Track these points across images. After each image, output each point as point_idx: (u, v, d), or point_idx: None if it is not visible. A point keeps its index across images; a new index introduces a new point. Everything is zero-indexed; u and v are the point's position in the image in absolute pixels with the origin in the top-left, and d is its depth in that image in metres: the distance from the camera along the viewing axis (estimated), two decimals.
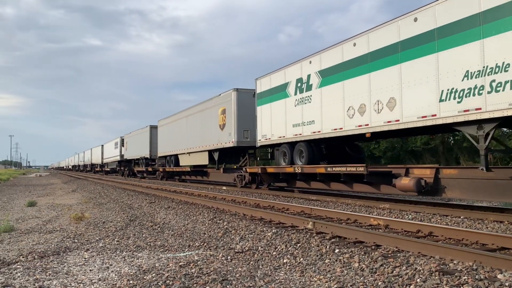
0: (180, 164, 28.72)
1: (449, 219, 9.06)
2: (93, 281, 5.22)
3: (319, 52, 14.72)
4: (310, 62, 15.09)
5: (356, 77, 12.82)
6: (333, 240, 6.77)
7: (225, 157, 23.52)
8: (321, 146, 15.66)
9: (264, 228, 8.07)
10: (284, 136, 16.67)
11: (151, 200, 15.29)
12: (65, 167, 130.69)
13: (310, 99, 15.08)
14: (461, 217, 9.25)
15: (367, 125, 12.32)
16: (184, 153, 27.61)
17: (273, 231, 7.72)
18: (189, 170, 27.06)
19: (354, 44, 12.89)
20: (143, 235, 8.64)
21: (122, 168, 49.59)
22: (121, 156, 47.96)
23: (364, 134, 12.67)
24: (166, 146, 32.10)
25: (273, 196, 15.41)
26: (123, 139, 47.74)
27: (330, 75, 14.03)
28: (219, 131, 22.13)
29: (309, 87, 15.18)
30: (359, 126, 12.64)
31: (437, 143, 30.10)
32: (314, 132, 14.78)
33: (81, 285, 5.05)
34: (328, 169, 13.51)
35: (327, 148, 15.73)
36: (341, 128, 13.45)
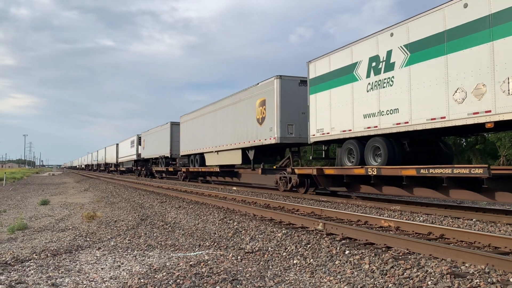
0: (207, 164, 26.11)
1: (461, 221, 8.97)
2: (105, 279, 5.27)
3: (404, 21, 11.81)
4: (392, 35, 12.17)
5: (469, 49, 9.86)
6: (343, 241, 6.75)
7: (261, 156, 20.48)
8: (403, 142, 12.58)
9: (274, 229, 8.08)
10: (350, 130, 13.65)
11: (162, 200, 15.38)
12: (77, 166, 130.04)
13: (392, 81, 12.07)
14: (473, 219, 9.16)
15: (489, 111, 9.39)
16: (212, 152, 24.93)
17: (283, 231, 7.72)
18: (218, 170, 24.00)
19: (465, 5, 9.91)
20: (154, 234, 8.70)
21: (138, 168, 46.68)
22: (138, 155, 45.55)
23: (481, 124, 9.76)
24: (189, 144, 29.44)
25: (283, 197, 15.40)
26: (140, 137, 45.21)
27: (423, 49, 11.10)
28: (257, 126, 19.19)
29: (389, 67, 12.17)
30: (475, 113, 9.69)
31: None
32: (398, 124, 11.77)
33: (93, 283, 5.10)
34: (422, 171, 10.52)
35: (412, 144, 12.60)
36: (443, 118, 10.48)
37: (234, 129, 21.79)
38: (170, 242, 7.88)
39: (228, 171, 23.87)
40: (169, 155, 34.67)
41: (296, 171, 16.09)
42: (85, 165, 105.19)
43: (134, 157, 46.92)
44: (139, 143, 45.35)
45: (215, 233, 8.64)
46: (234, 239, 7.95)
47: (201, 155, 27.21)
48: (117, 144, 59.11)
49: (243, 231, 8.39)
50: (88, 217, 10.99)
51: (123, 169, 56.31)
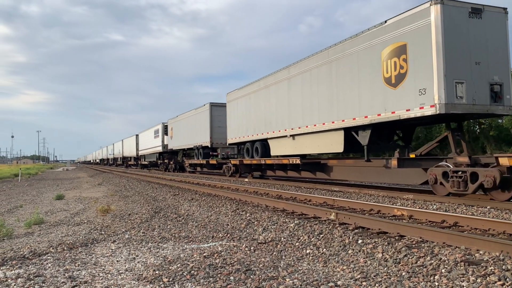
0: (272, 154, 19.69)
1: (475, 209, 8.90)
2: (120, 271, 5.35)
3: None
4: None
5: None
6: (356, 230, 6.75)
7: (376, 138, 13.81)
8: None
9: (286, 219, 8.10)
10: None
11: (174, 193, 15.50)
12: (92, 161, 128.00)
13: None
14: (488, 207, 9.08)
15: None
16: (282, 137, 18.34)
17: (295, 222, 7.74)
18: (297, 163, 17.01)
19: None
20: (168, 227, 8.79)
21: (165, 161, 40.41)
22: (164, 146, 39.35)
23: None
24: (242, 128, 22.64)
25: (295, 188, 15.41)
26: (166, 125, 39.17)
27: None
28: (384, 90, 12.15)
29: None
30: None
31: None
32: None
33: (109, 275, 5.19)
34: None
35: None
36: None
37: (330, 101, 14.81)
38: (183, 234, 7.95)
39: (311, 163, 17.15)
40: (209, 145, 28.01)
41: (501, 160, 9.54)
42: (100, 160, 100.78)
43: (159, 149, 40.75)
44: (165, 132, 39.32)
45: (228, 225, 8.70)
46: (247, 230, 8.00)
47: (262, 143, 20.59)
48: (137, 135, 52.88)
49: (255, 222, 8.43)
50: (103, 210, 11.13)
51: (145, 163, 49.67)
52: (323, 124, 15.23)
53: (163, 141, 39.58)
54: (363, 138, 13.56)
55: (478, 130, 29.49)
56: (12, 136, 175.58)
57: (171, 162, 38.64)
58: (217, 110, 27.71)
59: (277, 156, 19.27)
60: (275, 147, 19.40)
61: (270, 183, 18.25)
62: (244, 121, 22.40)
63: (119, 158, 69.32)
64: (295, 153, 17.48)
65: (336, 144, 14.87)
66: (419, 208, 9.12)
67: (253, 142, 21.59)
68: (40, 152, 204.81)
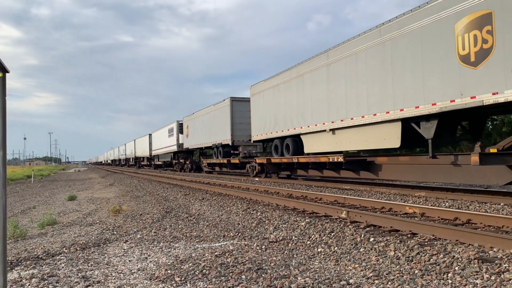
0: (306, 151, 17.46)
1: (488, 206, 8.81)
2: (133, 271, 5.39)
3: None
4: None
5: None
6: (367, 229, 6.72)
7: (442, 130, 11.57)
8: None
9: (297, 218, 8.09)
10: None
11: (185, 192, 15.56)
12: (103, 162, 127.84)
13: None
14: (501, 204, 8.97)
15: None
16: (320, 131, 16.14)
17: (306, 220, 7.73)
18: (339, 160, 14.48)
19: None
20: (179, 226, 8.83)
21: (181, 161, 38.92)
22: (179, 145, 37.73)
23: None
24: (269, 124, 20.41)
25: (305, 186, 15.38)
26: (181, 123, 37.50)
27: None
28: (459, 70, 10.04)
29: None
30: None
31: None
32: None
33: (121, 275, 5.22)
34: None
35: None
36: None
37: (384, 88, 12.66)
38: (195, 233, 7.98)
39: (356, 161, 14.53)
40: (230, 143, 26.13)
41: None
42: (112, 160, 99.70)
43: (174, 148, 39.04)
44: (180, 131, 37.72)
45: (239, 224, 8.71)
46: (258, 229, 8.00)
47: (294, 139, 18.44)
48: (150, 135, 51.40)
49: (266, 221, 8.43)
50: (114, 211, 11.22)
51: (159, 163, 48.04)
52: (374, 115, 13.01)
53: (177, 140, 38.09)
54: (427, 130, 11.34)
55: (490, 126, 29.16)
56: (25, 138, 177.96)
57: (187, 162, 36.87)
58: (239, 105, 25.78)
59: (313, 154, 17.05)
60: (309, 144, 17.20)
61: (280, 182, 18.21)
62: (271, 115, 20.13)
63: (131, 159, 67.89)
64: (335, 149, 15.35)
65: (390, 138, 12.61)
66: (431, 205, 9.04)
67: (282, 138, 19.41)
68: (52, 154, 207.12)
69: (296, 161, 17.43)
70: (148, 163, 54.83)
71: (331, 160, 14.98)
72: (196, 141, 32.97)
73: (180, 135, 37.77)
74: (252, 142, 23.23)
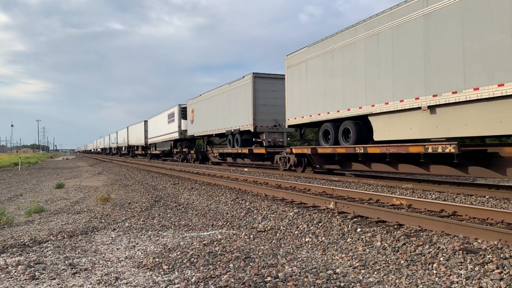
0: (378, 138, 12.96)
1: (474, 198, 8.93)
2: (120, 259, 5.38)
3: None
4: None
5: None
6: (355, 219, 6.78)
7: None
8: None
9: (286, 208, 8.13)
10: None
11: (174, 182, 15.53)
12: (92, 150, 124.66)
13: None
14: (486, 196, 9.11)
15: None
16: (406, 110, 11.80)
17: (295, 211, 7.77)
18: (447, 151, 10.14)
19: None
20: (168, 215, 8.82)
21: (184, 149, 34.93)
22: (181, 132, 33.84)
23: None
24: (314, 102, 15.93)
25: (294, 177, 15.44)
26: (184, 108, 33.60)
27: None
28: None
29: None
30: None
31: None
32: None
33: (109, 262, 5.21)
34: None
35: None
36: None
37: None
38: (183, 222, 7.98)
39: (473, 152, 10.36)
40: (251, 129, 21.83)
41: None
42: (102, 149, 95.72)
43: (175, 135, 34.85)
44: (182, 116, 33.66)
45: (227, 213, 8.73)
46: (247, 219, 8.03)
47: (356, 122, 13.96)
48: (146, 121, 47.53)
49: (255, 211, 8.46)
50: (103, 199, 11.17)
51: (156, 152, 43.68)
52: None
53: (179, 127, 34.12)
54: None
55: None
56: (12, 125, 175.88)
57: (192, 152, 32.82)
58: (262, 83, 21.76)
59: (387, 142, 12.65)
60: (384, 128, 12.70)
61: (269, 172, 18.19)
62: (319, 91, 15.56)
63: (123, 147, 63.99)
64: (432, 136, 11.20)
65: None
66: (418, 197, 9.15)
67: (337, 121, 14.86)
68: (40, 141, 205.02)
69: (361, 151, 12.94)
70: (143, 153, 51.01)
71: (430, 150, 10.63)
72: (204, 127, 28.83)
73: (182, 120, 33.90)
74: (286, 126, 18.68)
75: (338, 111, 14.57)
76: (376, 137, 13.01)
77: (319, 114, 15.68)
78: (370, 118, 13.19)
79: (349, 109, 14.00)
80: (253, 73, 21.99)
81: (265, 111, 21.81)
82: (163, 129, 38.84)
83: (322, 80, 15.44)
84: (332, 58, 14.95)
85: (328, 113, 15.07)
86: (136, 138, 52.66)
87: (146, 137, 47.49)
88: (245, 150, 22.20)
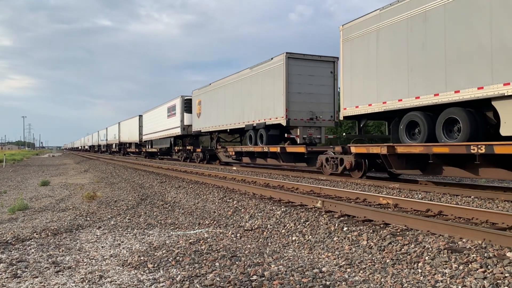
0: (506, 133, 8.99)
1: (460, 198, 9.01)
2: (105, 257, 5.32)
3: None
4: None
5: None
6: (341, 218, 6.79)
7: None
8: None
9: (273, 207, 8.12)
10: None
11: (161, 180, 15.43)
12: (80, 147, 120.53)
13: None
14: (472, 196, 9.20)
15: None
16: None
17: (282, 209, 7.76)
18: None
19: None
20: (154, 214, 8.75)
21: (188, 147, 29.92)
22: (184, 128, 29.76)
23: None
24: (391, 84, 11.77)
25: (282, 176, 15.44)
26: (188, 100, 29.51)
27: None
28: None
29: None
30: None
31: None
32: None
33: (93, 261, 5.15)
34: None
35: None
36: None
37: None
38: (170, 221, 7.93)
39: None
40: (283, 122, 17.54)
41: None
42: (90, 146, 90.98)
43: (177, 131, 30.63)
44: (185, 109, 29.75)
45: (214, 212, 8.69)
46: (234, 217, 8.00)
47: (468, 111, 9.88)
48: (141, 116, 42.85)
49: (242, 210, 8.43)
50: (88, 197, 11.05)
51: (153, 150, 38.99)
52: None
53: (182, 121, 29.88)
54: None
55: None
56: None
57: (198, 150, 27.92)
58: (297, 66, 17.55)
59: None
60: None
61: (258, 171, 18.18)
62: (401, 69, 11.40)
63: (114, 145, 59.10)
64: None
65: None
66: (405, 197, 9.20)
67: (433, 109, 10.82)
68: (26, 138, 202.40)
69: (482, 151, 8.95)
70: (137, 150, 45.98)
71: None
72: (215, 122, 24.47)
73: (186, 114, 29.69)
74: (342, 118, 14.42)
75: (436, 95, 10.43)
76: (506, 131, 9.06)
77: (399, 100, 11.52)
78: (495, 103, 9.20)
79: (457, 91, 9.86)
80: (286, 52, 17.44)
81: (300, 100, 17.60)
82: (162, 124, 34.63)
83: (407, 53, 11.24)
84: (424, 20, 10.65)
85: (418, 97, 10.94)
86: (129, 134, 48.01)
87: (140, 133, 42.92)
88: (275, 149, 17.39)
